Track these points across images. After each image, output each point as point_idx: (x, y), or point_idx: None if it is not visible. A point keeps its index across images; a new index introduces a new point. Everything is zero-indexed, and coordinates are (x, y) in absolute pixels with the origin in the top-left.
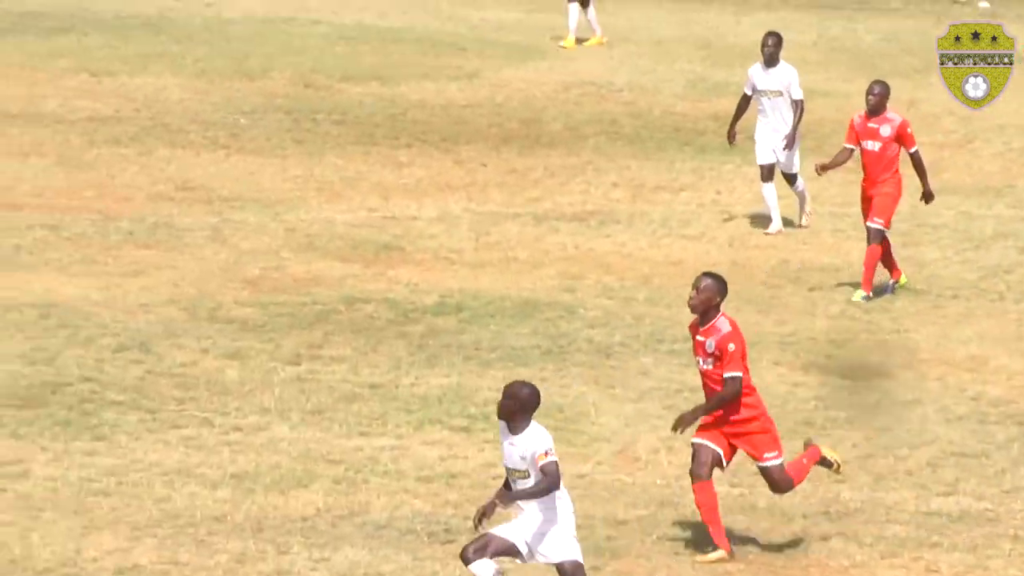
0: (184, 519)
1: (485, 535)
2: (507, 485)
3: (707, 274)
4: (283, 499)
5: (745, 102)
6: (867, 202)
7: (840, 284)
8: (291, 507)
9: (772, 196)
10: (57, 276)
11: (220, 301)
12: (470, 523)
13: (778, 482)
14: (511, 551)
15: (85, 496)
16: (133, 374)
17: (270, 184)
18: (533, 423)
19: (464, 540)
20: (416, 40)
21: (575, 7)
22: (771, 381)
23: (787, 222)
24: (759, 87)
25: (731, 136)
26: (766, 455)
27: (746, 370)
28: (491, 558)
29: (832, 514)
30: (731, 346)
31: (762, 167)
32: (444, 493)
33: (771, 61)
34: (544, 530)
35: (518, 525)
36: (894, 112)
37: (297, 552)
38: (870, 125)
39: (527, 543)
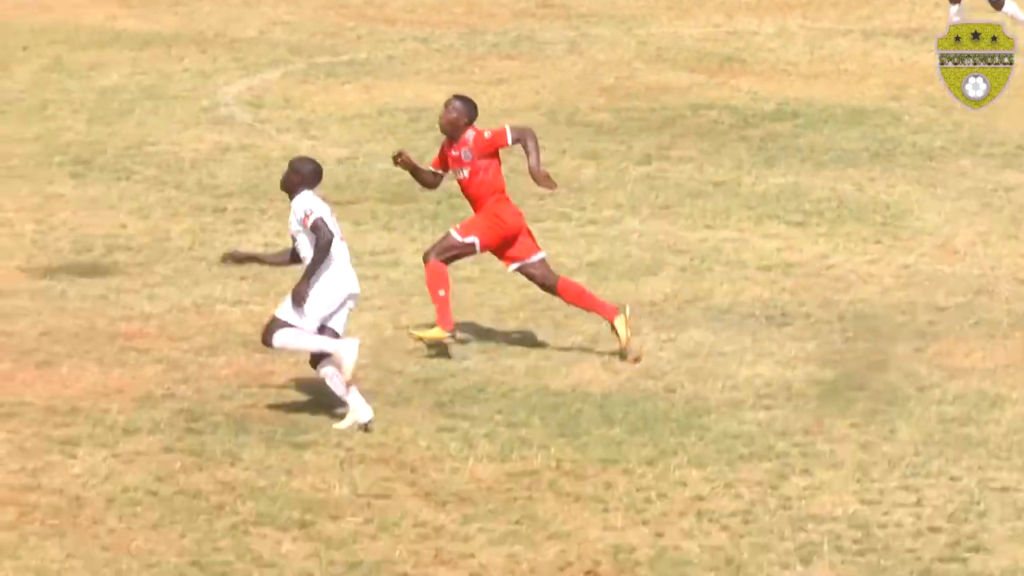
0: (543, 303)
1: (270, 318)
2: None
3: (457, 97)
4: (634, 285)
5: None
6: None
7: None
8: (641, 292)
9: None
10: (427, 84)
11: (577, 107)
12: (804, 309)
13: (544, 277)
14: None
15: (452, 282)
16: None
17: (623, 1)
18: (305, 192)
19: (799, 324)
20: None
21: None
22: None
23: None
24: None
25: None
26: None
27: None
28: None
29: None
30: (489, 134)
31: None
32: (781, 281)
33: None
34: (312, 287)
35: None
36: None
37: (647, 333)
38: None
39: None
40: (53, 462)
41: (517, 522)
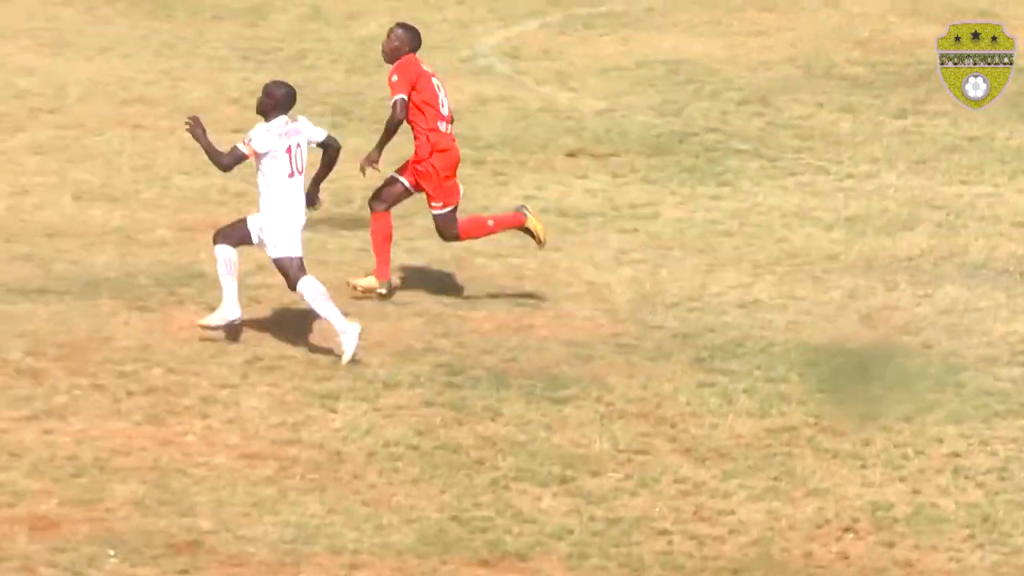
0: (801, 258)
1: (237, 221)
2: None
3: (400, 24)
4: (891, 240)
5: None
6: None
7: None
8: (898, 248)
9: None
10: (685, 36)
11: (834, 60)
12: None
13: (441, 231)
14: (247, 238)
15: (710, 236)
16: (755, 125)
17: None
18: (278, 118)
19: None
20: None
21: None
22: None
23: None
24: None
25: None
26: (432, 204)
27: (441, 118)
28: (234, 246)
29: None
30: (394, 77)
31: None
32: None
33: None
34: (268, 224)
35: (255, 216)
36: None
37: (903, 289)
38: None
39: (258, 234)
40: (313, 416)
41: (776, 478)
